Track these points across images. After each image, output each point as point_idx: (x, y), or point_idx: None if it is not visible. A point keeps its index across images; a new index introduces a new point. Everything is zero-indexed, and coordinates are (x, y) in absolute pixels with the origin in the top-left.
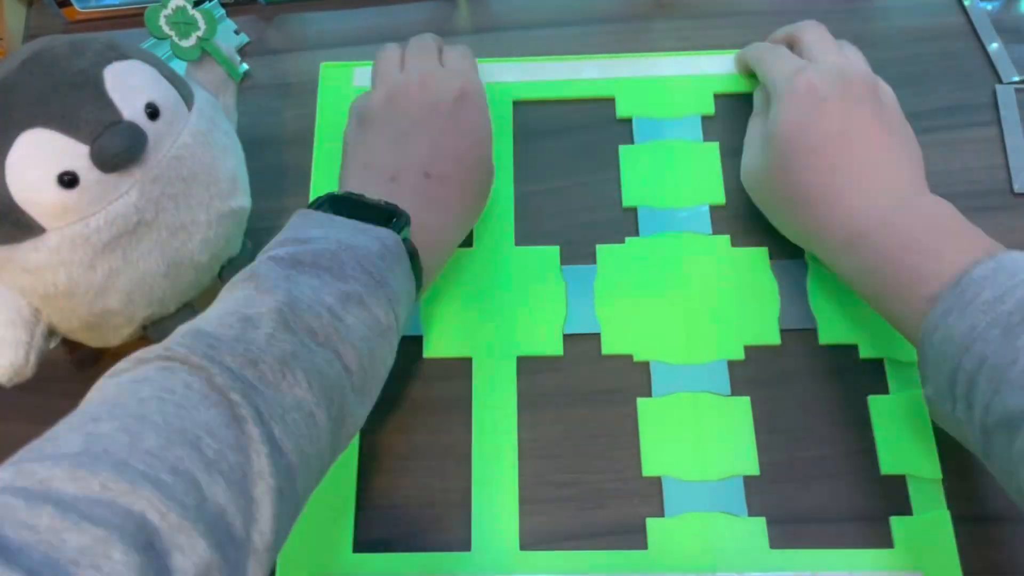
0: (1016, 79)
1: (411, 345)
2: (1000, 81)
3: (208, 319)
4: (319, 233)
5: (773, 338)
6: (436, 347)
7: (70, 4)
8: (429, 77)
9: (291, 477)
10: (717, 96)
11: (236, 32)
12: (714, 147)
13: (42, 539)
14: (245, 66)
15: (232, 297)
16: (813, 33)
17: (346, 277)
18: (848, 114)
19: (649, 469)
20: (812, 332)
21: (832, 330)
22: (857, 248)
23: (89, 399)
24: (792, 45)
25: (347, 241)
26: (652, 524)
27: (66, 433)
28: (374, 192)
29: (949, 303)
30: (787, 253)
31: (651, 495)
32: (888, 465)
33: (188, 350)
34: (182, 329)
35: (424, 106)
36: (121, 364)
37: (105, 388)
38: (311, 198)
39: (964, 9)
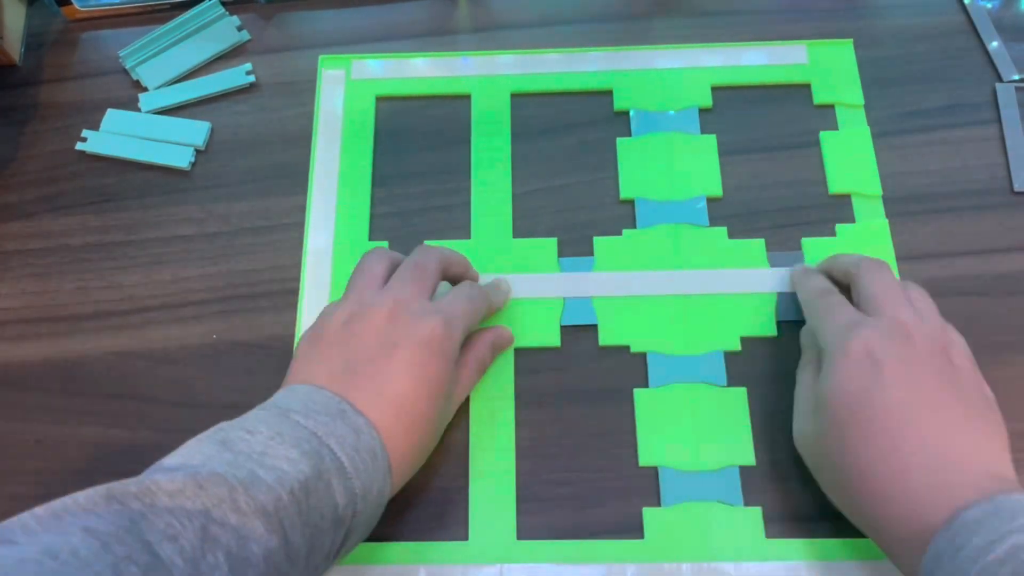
0: (1016, 78)
1: None
2: (1000, 80)
3: (160, 469)
4: (297, 406)
5: (770, 329)
6: None
7: (70, 3)
8: (401, 308)
9: None
10: (715, 88)
11: (238, 29)
12: (711, 139)
13: None
14: (249, 65)
15: (189, 453)
16: (875, 278)
17: (321, 457)
18: (913, 381)
19: (646, 459)
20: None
21: None
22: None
23: (5, 525)
24: (847, 282)
25: (330, 428)
26: (648, 514)
27: None
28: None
29: (940, 548)
30: (784, 245)
31: (648, 485)
32: None
33: (103, 510)
34: (119, 488)
35: (381, 342)
36: (57, 504)
37: (20, 525)
38: (310, 197)
39: (964, 7)
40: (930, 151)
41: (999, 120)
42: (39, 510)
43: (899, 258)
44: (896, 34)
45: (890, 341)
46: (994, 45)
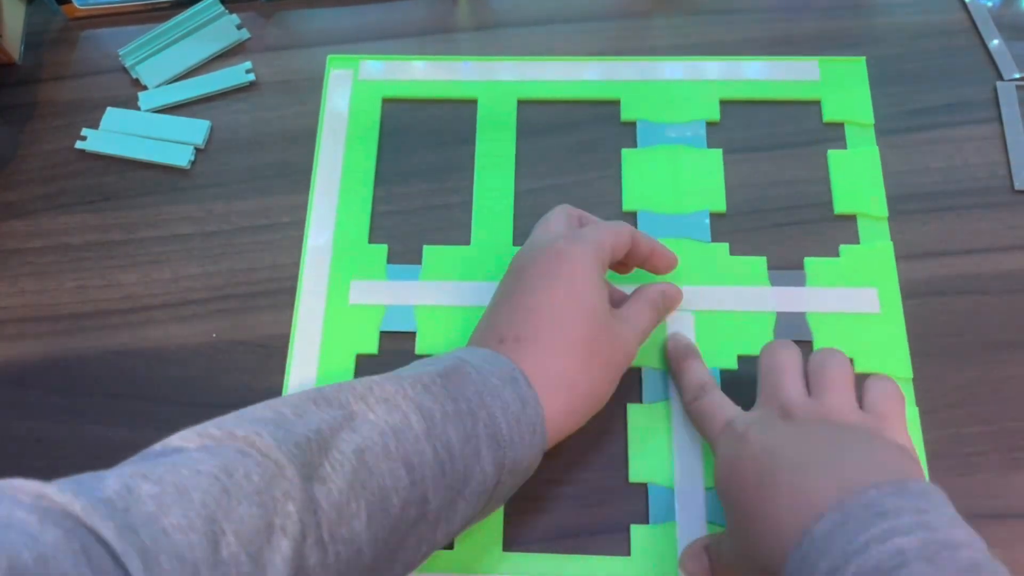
0: (1017, 76)
1: (404, 341)
2: (1001, 78)
3: (320, 398)
4: (475, 361)
5: None
6: (429, 343)
7: (70, 1)
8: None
9: None
10: (723, 102)
11: (238, 27)
12: (718, 154)
13: (38, 551)
14: (248, 64)
15: (344, 394)
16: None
17: (477, 420)
18: (774, 437)
19: (636, 475)
20: (807, 344)
21: (827, 343)
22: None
23: (167, 444)
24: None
25: (492, 389)
26: (636, 531)
27: (113, 474)
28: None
29: (791, 569)
30: (785, 263)
31: (636, 501)
32: None
33: (275, 442)
34: (285, 405)
35: (514, 271)
36: (213, 430)
37: (182, 442)
38: (312, 195)
39: (965, 6)
40: (931, 149)
41: (1000, 119)
42: (219, 424)
43: (900, 257)
44: (897, 32)
45: (759, 420)
46: (995, 43)
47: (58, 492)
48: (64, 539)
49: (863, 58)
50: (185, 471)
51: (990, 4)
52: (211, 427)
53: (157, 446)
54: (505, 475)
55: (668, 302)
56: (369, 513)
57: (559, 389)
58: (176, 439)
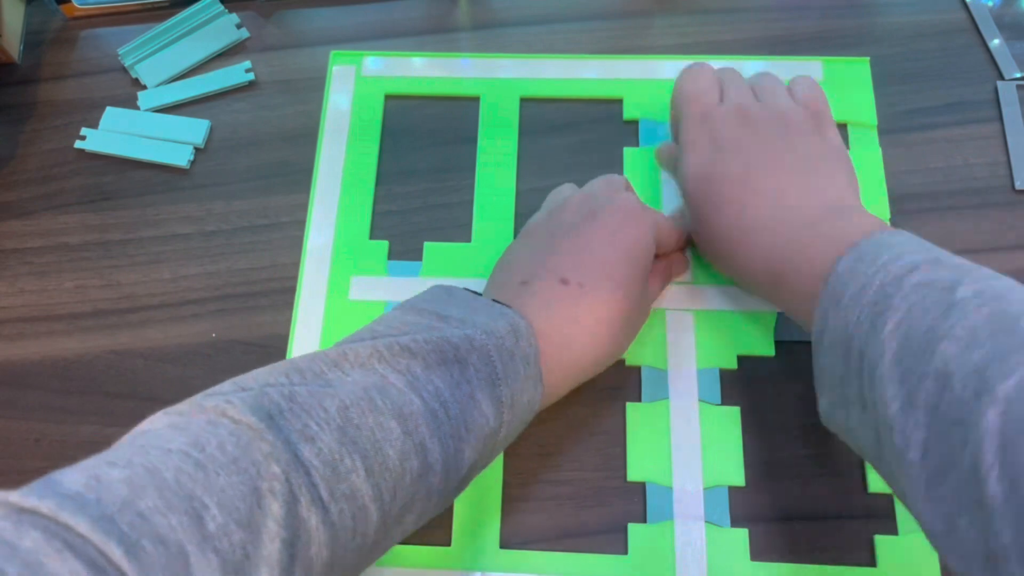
0: (1017, 75)
1: None
2: (1002, 78)
3: (292, 370)
4: (457, 313)
5: (767, 349)
6: None
7: (69, 1)
8: (595, 188)
9: (312, 571)
10: None
11: (237, 26)
12: None
13: (20, 559)
14: (248, 63)
15: (316, 363)
16: (728, 75)
17: (467, 365)
18: (747, 155)
19: (634, 474)
20: (807, 345)
21: None
22: (777, 278)
23: (135, 431)
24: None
25: (482, 326)
26: (634, 530)
27: (77, 468)
28: (503, 296)
29: (825, 304)
30: None
31: (634, 500)
32: (876, 483)
33: (246, 408)
34: (254, 380)
35: (581, 213)
36: (181, 406)
37: (150, 425)
38: (313, 194)
39: (966, 5)
40: (932, 149)
41: (1000, 118)
42: (187, 401)
43: None
44: (897, 32)
45: (726, 126)
46: (995, 43)
47: (22, 497)
48: (45, 540)
49: (867, 59)
50: (154, 452)
51: (991, 4)
52: (179, 405)
53: (125, 436)
54: (506, 412)
55: (676, 273)
56: (366, 468)
57: (607, 334)
58: (144, 423)
